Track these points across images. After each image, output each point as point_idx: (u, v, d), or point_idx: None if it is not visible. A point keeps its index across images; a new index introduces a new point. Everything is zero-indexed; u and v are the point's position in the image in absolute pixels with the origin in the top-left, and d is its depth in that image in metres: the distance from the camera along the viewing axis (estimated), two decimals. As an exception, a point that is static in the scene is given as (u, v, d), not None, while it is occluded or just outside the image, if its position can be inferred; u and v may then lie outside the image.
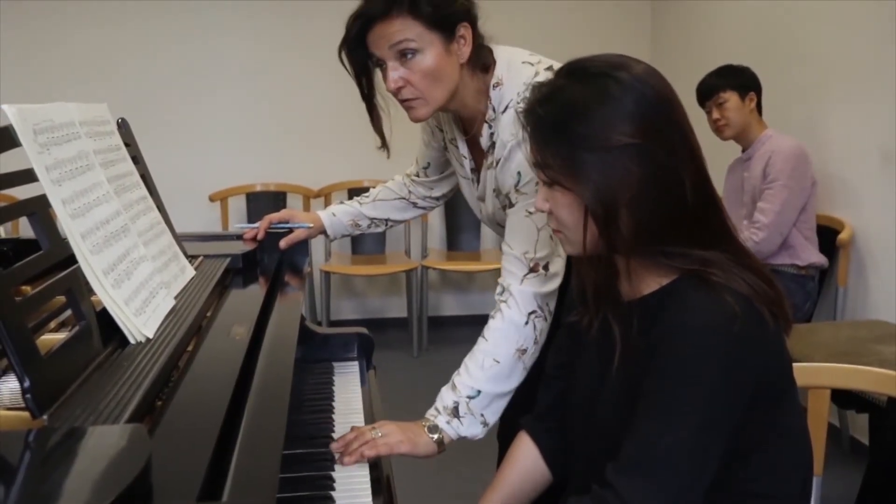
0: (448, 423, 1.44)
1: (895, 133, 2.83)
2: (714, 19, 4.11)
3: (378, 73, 1.50)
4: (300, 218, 1.88)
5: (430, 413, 1.46)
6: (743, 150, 3.15)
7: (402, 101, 1.49)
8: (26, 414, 0.84)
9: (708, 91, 3.08)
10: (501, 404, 1.50)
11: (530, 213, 1.48)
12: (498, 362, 1.47)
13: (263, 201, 4.40)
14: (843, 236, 3.02)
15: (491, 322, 1.51)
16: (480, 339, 1.50)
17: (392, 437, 1.35)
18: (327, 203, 4.37)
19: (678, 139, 1.06)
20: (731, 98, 3.05)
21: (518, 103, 1.48)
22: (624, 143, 1.02)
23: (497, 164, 1.53)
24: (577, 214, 1.07)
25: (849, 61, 3.08)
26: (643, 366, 1.04)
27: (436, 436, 1.43)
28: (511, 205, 1.53)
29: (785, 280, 2.96)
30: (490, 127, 1.54)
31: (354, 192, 4.21)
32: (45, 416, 0.83)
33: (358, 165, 4.43)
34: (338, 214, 1.91)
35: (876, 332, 2.52)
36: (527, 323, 1.48)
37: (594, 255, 1.12)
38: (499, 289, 1.53)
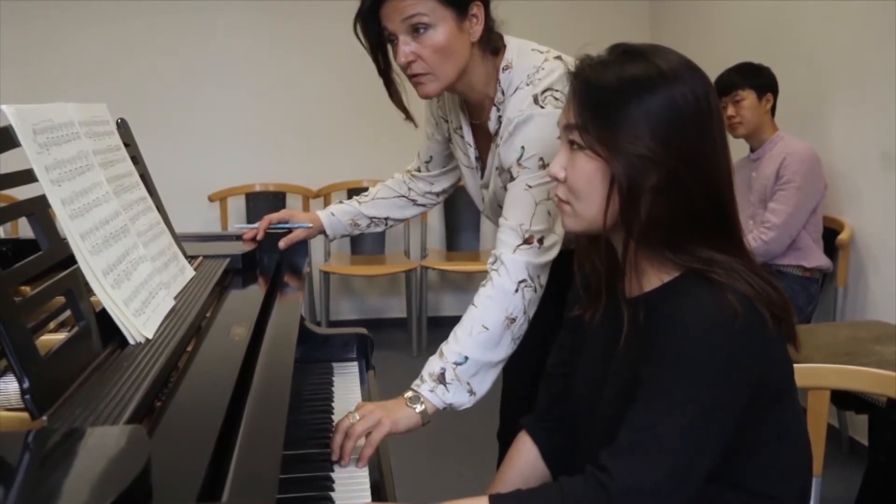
0: (432, 390, 1.42)
1: (895, 134, 2.83)
2: (713, 19, 4.11)
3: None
4: (299, 218, 1.88)
5: (415, 383, 1.44)
6: (752, 150, 3.14)
7: (412, 77, 1.50)
8: (26, 415, 0.84)
9: (726, 87, 3.05)
10: (490, 375, 1.48)
11: (530, 186, 1.49)
12: (487, 329, 1.46)
13: (263, 201, 4.40)
14: (842, 237, 3.02)
15: (481, 290, 1.50)
16: (470, 307, 1.50)
17: (370, 419, 1.32)
18: (327, 203, 4.36)
19: (709, 145, 1.07)
20: (748, 97, 3.04)
21: (528, 84, 1.50)
22: (660, 135, 1.04)
23: (502, 140, 1.54)
24: (596, 186, 1.07)
25: (849, 62, 3.08)
26: (644, 360, 1.05)
27: (418, 407, 1.40)
28: (512, 178, 1.53)
29: (789, 282, 2.96)
30: (498, 110, 1.55)
31: (354, 192, 4.20)
32: (44, 417, 0.83)
33: (357, 165, 4.43)
34: (337, 214, 1.91)
35: (875, 332, 2.52)
36: (516, 291, 1.48)
37: (599, 246, 1.12)
38: (491, 259, 1.53)
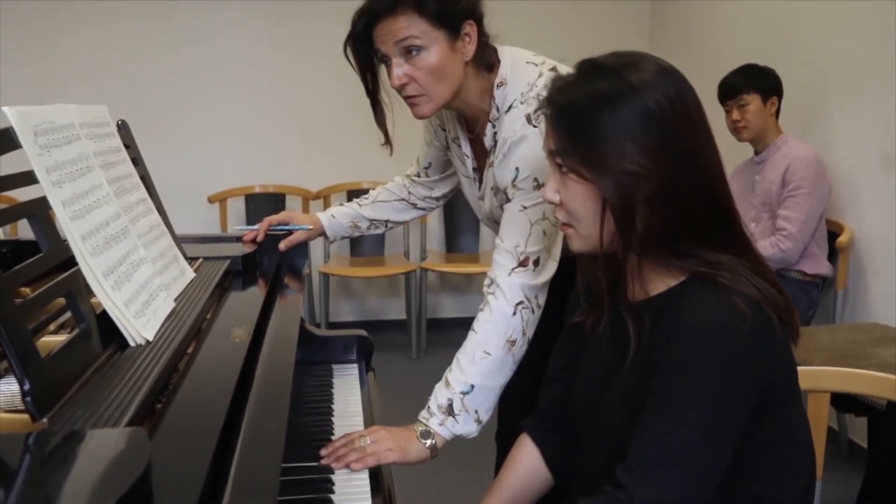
0: (441, 423, 1.43)
1: (895, 136, 2.84)
2: (713, 19, 4.11)
3: (383, 70, 1.51)
4: (299, 220, 1.88)
5: (423, 416, 1.45)
6: (756, 153, 3.13)
7: (406, 98, 1.50)
8: (26, 417, 0.84)
9: (730, 91, 3.04)
10: (493, 401, 1.49)
11: (525, 207, 1.49)
12: (489, 354, 1.46)
13: (262, 203, 4.40)
14: (842, 239, 3.02)
15: (480, 315, 1.50)
16: (470, 333, 1.50)
17: (381, 444, 1.34)
18: (326, 205, 4.36)
19: (695, 144, 1.06)
20: (753, 101, 3.01)
21: (521, 103, 1.50)
22: (641, 146, 1.03)
23: (497, 160, 1.54)
24: (591, 207, 1.07)
25: (849, 63, 3.08)
26: (649, 365, 1.05)
27: (428, 441, 1.41)
28: (508, 199, 1.53)
29: (791, 285, 2.95)
30: (494, 126, 1.55)
31: (353, 193, 4.20)
32: (45, 419, 0.83)
33: (357, 167, 4.43)
34: (337, 216, 1.91)
35: (875, 334, 2.52)
36: (514, 313, 1.48)
37: (599, 256, 1.12)
38: (487, 281, 1.53)
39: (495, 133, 1.54)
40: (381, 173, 2.01)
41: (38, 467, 0.74)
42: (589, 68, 1.09)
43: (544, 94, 1.11)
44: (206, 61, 4.40)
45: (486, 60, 1.52)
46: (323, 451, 1.31)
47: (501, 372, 1.48)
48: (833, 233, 3.06)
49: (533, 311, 1.50)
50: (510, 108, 1.51)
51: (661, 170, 1.03)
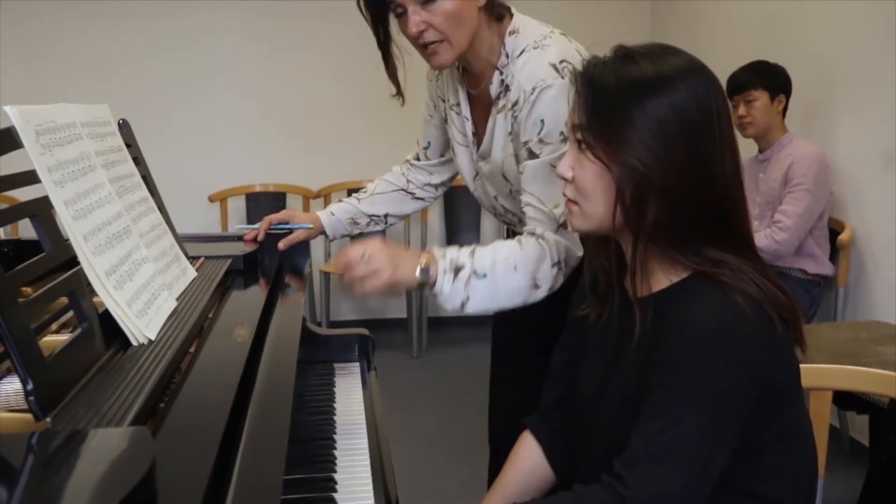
0: (444, 272, 1.41)
1: None
2: (714, 19, 4.11)
3: (394, 22, 1.51)
4: (300, 219, 1.88)
5: (437, 252, 1.42)
6: (760, 151, 3.13)
7: (425, 47, 1.49)
8: (29, 416, 0.84)
9: (738, 86, 3.03)
10: (484, 306, 1.46)
11: (554, 166, 1.47)
12: (515, 270, 1.45)
13: (263, 202, 4.40)
14: (843, 237, 3.02)
15: (530, 240, 1.48)
16: (514, 244, 1.47)
17: (374, 263, 1.35)
18: (327, 204, 4.36)
19: (716, 145, 1.06)
20: (760, 97, 3.01)
21: (535, 48, 1.50)
22: (662, 140, 1.03)
23: (513, 106, 1.52)
24: (602, 188, 1.07)
25: (850, 62, 3.08)
26: (651, 362, 1.05)
27: (420, 275, 1.40)
28: (534, 156, 1.50)
29: (792, 284, 2.95)
30: (501, 73, 1.54)
31: (354, 192, 4.18)
32: (48, 419, 0.83)
33: (357, 166, 4.43)
34: (336, 214, 1.91)
35: (876, 332, 2.52)
36: (552, 266, 1.47)
37: (608, 244, 1.12)
38: (527, 232, 1.50)
39: (502, 79, 1.54)
40: (381, 172, 2.01)
41: (41, 467, 0.74)
42: (625, 54, 1.09)
43: (579, 68, 1.12)
44: (206, 61, 4.40)
45: (496, 10, 1.53)
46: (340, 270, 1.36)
47: (510, 294, 1.46)
48: (834, 230, 3.06)
49: (563, 275, 1.49)
50: (522, 52, 1.51)
51: (677, 166, 1.04)
